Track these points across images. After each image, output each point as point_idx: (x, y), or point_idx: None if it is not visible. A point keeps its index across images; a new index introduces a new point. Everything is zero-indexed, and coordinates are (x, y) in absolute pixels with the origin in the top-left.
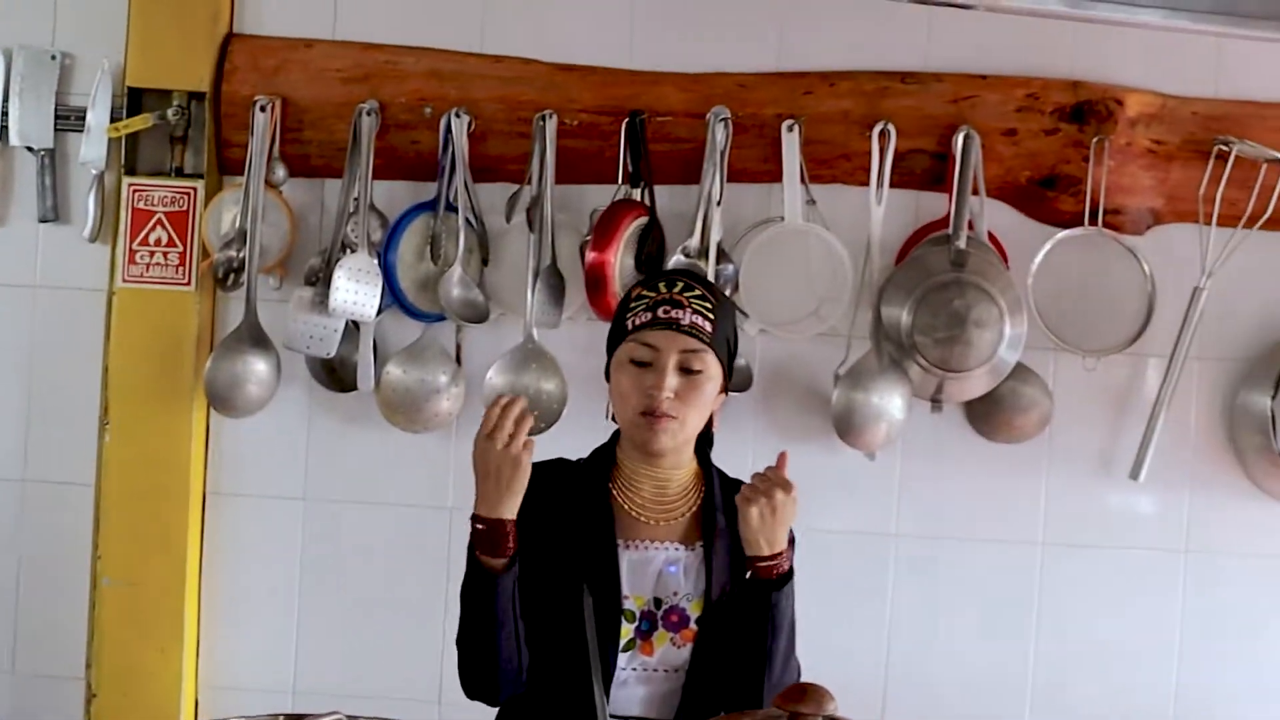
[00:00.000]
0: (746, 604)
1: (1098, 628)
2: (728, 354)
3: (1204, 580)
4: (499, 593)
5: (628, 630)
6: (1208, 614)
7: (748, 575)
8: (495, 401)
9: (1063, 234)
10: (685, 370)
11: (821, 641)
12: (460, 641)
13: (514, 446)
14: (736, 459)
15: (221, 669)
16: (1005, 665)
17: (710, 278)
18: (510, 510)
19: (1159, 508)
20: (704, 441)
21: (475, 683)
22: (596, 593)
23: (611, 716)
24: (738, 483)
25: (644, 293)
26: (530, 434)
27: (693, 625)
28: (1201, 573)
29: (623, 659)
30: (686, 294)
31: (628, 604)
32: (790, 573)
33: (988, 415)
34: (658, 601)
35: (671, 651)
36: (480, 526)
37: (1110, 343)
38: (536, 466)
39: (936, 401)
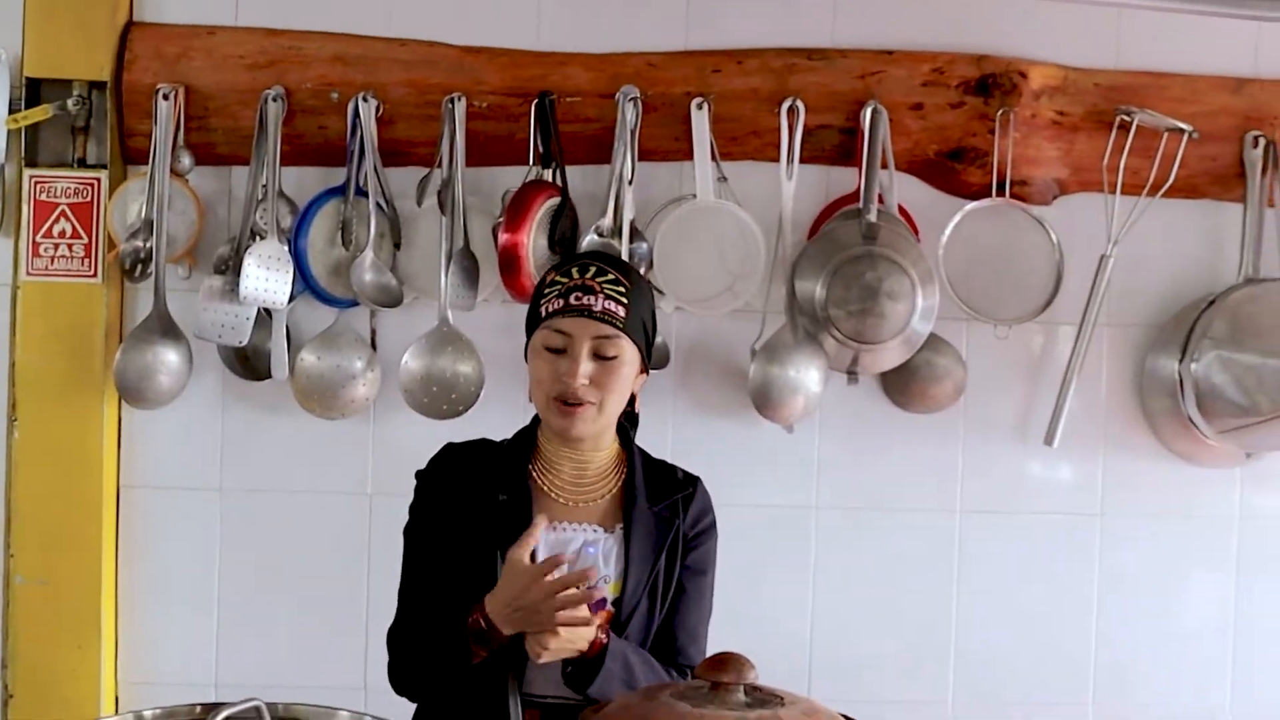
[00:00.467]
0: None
1: (1017, 592)
2: (645, 337)
3: (1119, 542)
4: (472, 672)
5: None
6: (1123, 575)
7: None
8: (581, 576)
9: (971, 205)
10: (599, 356)
11: (746, 614)
12: (402, 659)
13: (557, 630)
14: (656, 437)
15: (141, 665)
16: (928, 632)
17: (624, 257)
18: (510, 631)
19: (1074, 472)
20: (628, 421)
21: (408, 690)
22: None
23: (526, 695)
24: (660, 463)
25: (557, 278)
26: (449, 415)
27: (609, 607)
28: (1116, 535)
29: None
30: (599, 279)
31: None
32: (601, 652)
33: (903, 386)
34: None
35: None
36: (482, 623)
37: (1021, 312)
38: (460, 447)
39: (852, 374)
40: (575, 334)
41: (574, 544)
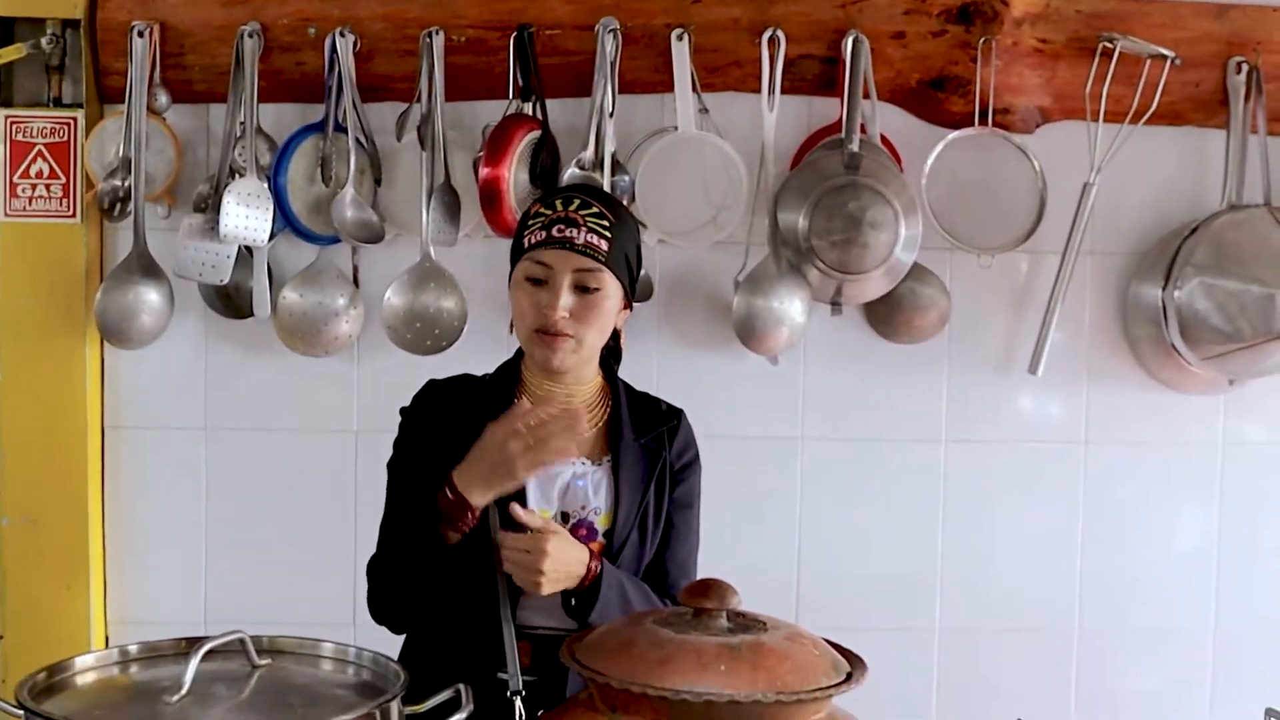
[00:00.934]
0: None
1: (1003, 520)
2: (628, 271)
3: (1103, 470)
4: (445, 564)
5: None
6: (1108, 502)
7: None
8: (552, 419)
9: (954, 134)
10: (580, 289)
11: (734, 546)
12: (380, 578)
13: (523, 462)
14: (640, 369)
15: (130, 603)
16: (914, 562)
17: (606, 190)
18: (479, 500)
19: (1058, 401)
20: (612, 356)
21: (387, 616)
22: (502, 505)
23: (520, 628)
24: (644, 396)
25: (541, 210)
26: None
27: (601, 538)
28: (1101, 463)
29: None
30: (582, 211)
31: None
32: (597, 581)
33: (887, 316)
34: (565, 516)
35: None
36: (449, 495)
37: (1004, 240)
38: (442, 383)
39: (836, 304)
40: (556, 266)
41: (563, 477)
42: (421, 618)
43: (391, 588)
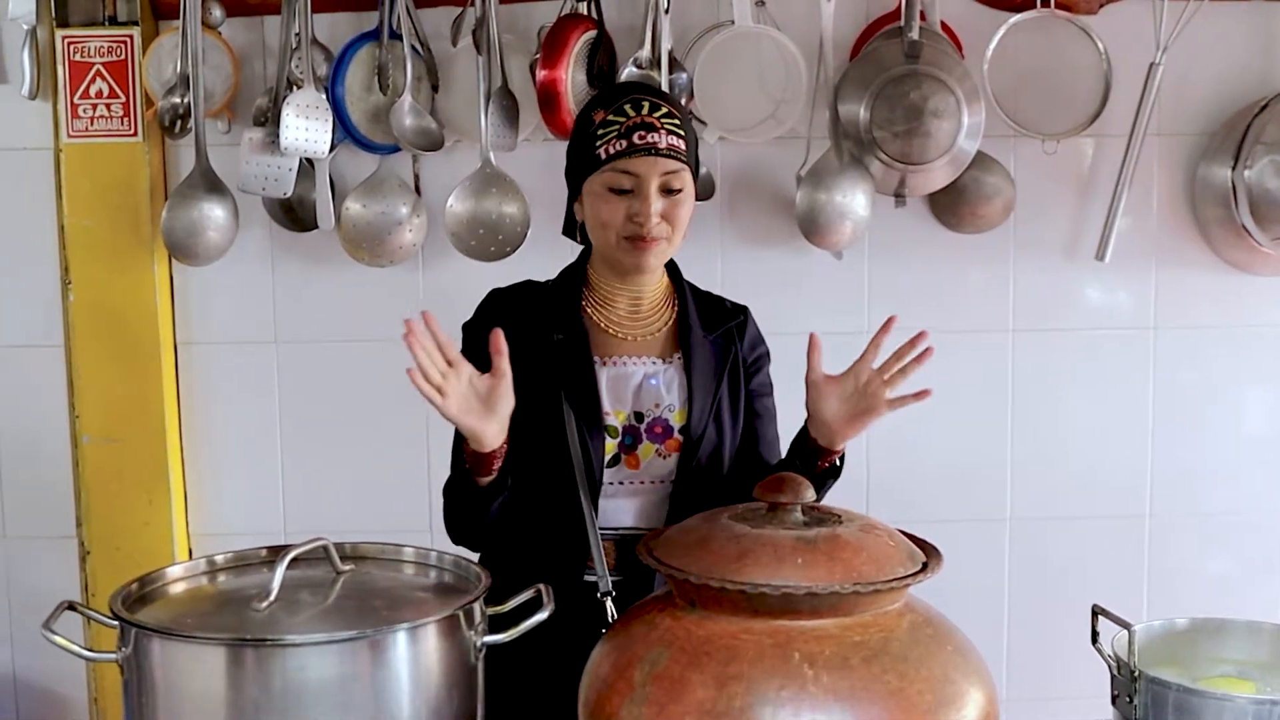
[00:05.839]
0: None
1: (1072, 408)
2: (696, 166)
3: (1174, 355)
4: (489, 509)
5: (611, 445)
6: (1179, 389)
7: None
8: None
9: (1015, 18)
10: (667, 191)
11: None
12: (452, 502)
13: (450, 400)
14: (705, 267)
15: (211, 516)
16: (983, 452)
17: (664, 87)
18: (494, 440)
19: (1126, 287)
20: None
21: (464, 536)
22: (578, 410)
23: (600, 529)
24: (708, 294)
25: (611, 117)
26: (497, 257)
27: (677, 435)
28: (1171, 348)
29: (609, 474)
30: (656, 114)
31: (609, 419)
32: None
33: (951, 206)
34: (639, 415)
35: (657, 463)
36: (467, 453)
37: (1069, 125)
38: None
39: (900, 196)
40: (644, 173)
41: (635, 377)
42: (496, 538)
43: (463, 513)
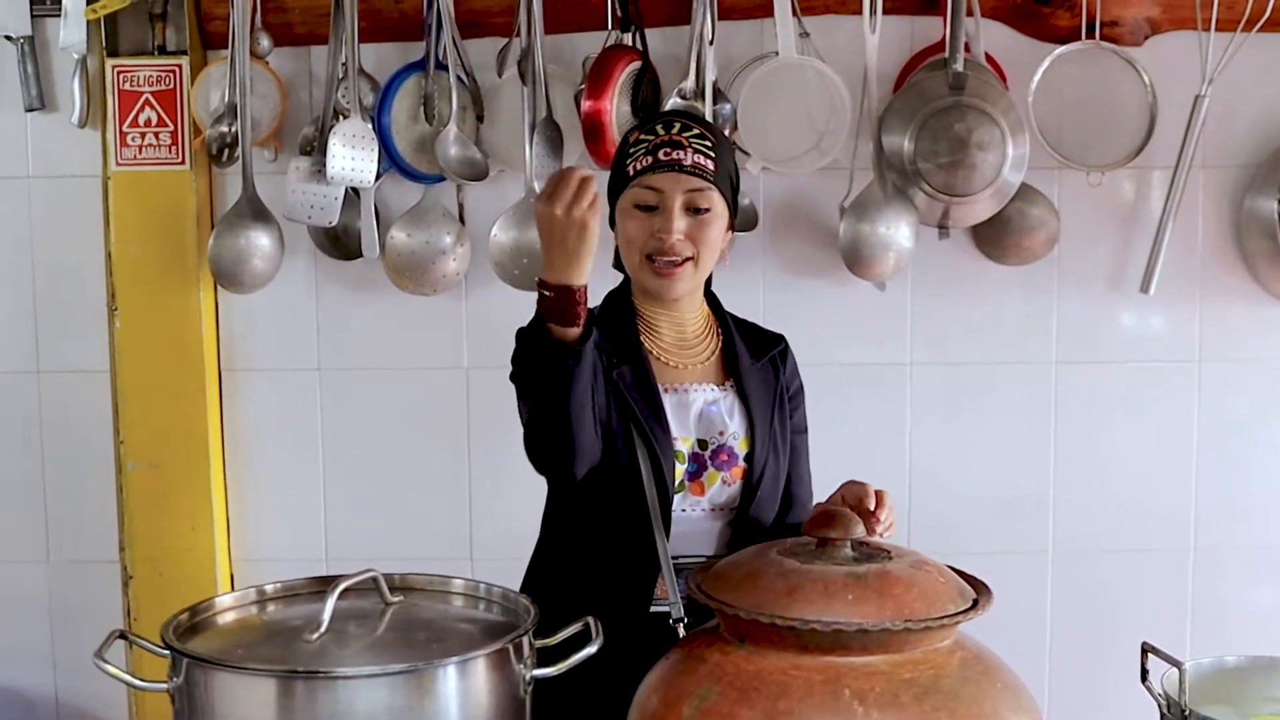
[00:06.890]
0: None
1: (1115, 441)
2: (732, 190)
3: (1218, 388)
4: (576, 369)
5: (679, 472)
6: (1223, 421)
7: None
8: (558, 173)
9: (1060, 50)
10: (693, 210)
11: (844, 474)
12: (530, 419)
13: (576, 211)
14: (748, 299)
15: (253, 542)
16: (1027, 484)
17: (708, 118)
18: (579, 276)
19: (1170, 319)
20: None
21: (547, 458)
22: (649, 438)
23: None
24: (747, 322)
25: (642, 136)
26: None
27: (742, 462)
28: (1215, 380)
29: (675, 500)
30: (685, 134)
31: (677, 445)
32: None
33: (995, 238)
34: (702, 443)
35: (722, 490)
36: (548, 294)
37: (1114, 157)
38: None
39: (943, 228)
40: (667, 189)
41: (695, 404)
42: (578, 454)
43: (541, 426)
